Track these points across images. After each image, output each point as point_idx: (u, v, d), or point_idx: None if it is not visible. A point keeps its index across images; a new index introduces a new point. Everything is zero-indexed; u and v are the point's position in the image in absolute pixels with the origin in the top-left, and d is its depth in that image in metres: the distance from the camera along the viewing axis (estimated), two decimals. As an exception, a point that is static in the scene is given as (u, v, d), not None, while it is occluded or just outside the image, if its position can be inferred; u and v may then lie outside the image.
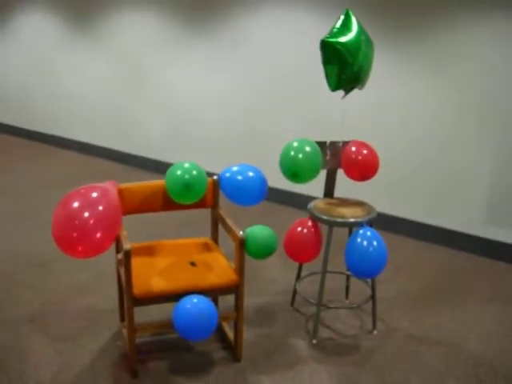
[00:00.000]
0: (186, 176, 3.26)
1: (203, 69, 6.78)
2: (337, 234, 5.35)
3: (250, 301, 4.23)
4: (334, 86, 3.53)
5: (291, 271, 4.72)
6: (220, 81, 6.66)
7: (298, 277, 4.10)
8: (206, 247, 3.67)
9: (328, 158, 3.73)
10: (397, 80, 5.31)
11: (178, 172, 3.28)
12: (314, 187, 5.97)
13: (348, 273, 4.23)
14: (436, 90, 5.10)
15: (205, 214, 5.77)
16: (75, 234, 2.80)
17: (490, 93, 4.83)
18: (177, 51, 6.98)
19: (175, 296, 3.17)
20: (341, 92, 5.52)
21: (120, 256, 3.53)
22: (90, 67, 8.11)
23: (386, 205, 5.65)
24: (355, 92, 5.53)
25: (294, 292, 4.18)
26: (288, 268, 4.78)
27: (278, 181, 6.30)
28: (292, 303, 4.21)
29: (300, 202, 6.25)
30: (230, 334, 3.70)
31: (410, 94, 5.26)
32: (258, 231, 3.31)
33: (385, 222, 5.68)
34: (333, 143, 3.73)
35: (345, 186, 5.51)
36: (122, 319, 3.80)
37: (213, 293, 3.27)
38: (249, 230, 3.34)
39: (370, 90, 5.50)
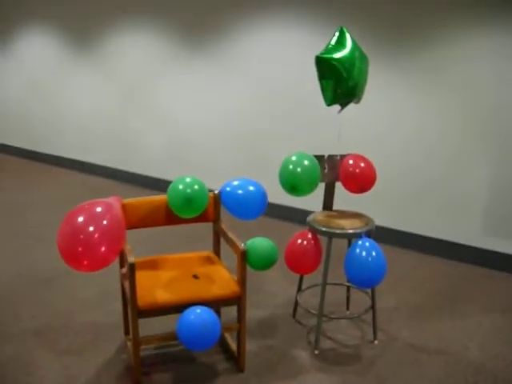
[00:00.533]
0: (188, 190, 3.34)
1: (203, 88, 6.88)
2: (336, 246, 5.41)
3: (251, 313, 4.29)
4: (330, 101, 3.62)
5: (292, 284, 4.78)
6: (220, 99, 6.75)
7: (299, 289, 4.16)
8: (208, 260, 3.75)
9: (326, 171, 3.81)
10: (398, 95, 5.40)
11: (180, 186, 3.36)
12: (313, 202, 6.04)
13: (348, 284, 4.29)
14: (438, 106, 5.19)
15: (205, 229, 5.84)
16: (80, 249, 2.87)
17: (491, 109, 4.91)
18: (177, 71, 7.08)
19: (179, 307, 3.24)
20: (338, 107, 5.62)
21: (124, 270, 3.60)
22: (91, 88, 8.22)
23: (385, 218, 5.72)
24: (354, 107, 5.62)
25: (296, 304, 4.24)
26: (289, 281, 4.84)
27: (277, 196, 6.37)
28: (293, 315, 4.27)
29: (299, 217, 6.32)
30: (233, 346, 3.76)
31: (411, 109, 5.35)
32: (259, 243, 3.39)
33: (384, 235, 5.75)
34: (331, 157, 3.81)
35: (344, 199, 5.59)
36: (127, 333, 3.86)
37: (215, 304, 3.34)
38: (250, 242, 3.42)
39: (367, 105, 5.59)
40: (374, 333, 3.95)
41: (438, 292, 4.70)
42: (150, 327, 4.08)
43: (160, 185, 7.66)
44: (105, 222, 2.96)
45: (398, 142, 5.47)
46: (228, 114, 6.72)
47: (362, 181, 3.67)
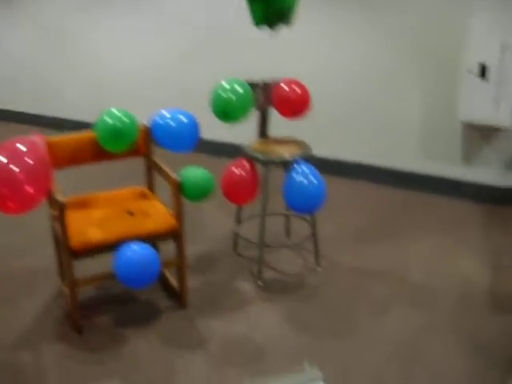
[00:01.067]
0: (117, 122, 3.17)
1: (126, 22, 6.59)
2: (273, 176, 5.31)
3: (190, 249, 4.16)
4: (259, 21, 3.49)
5: (230, 217, 4.66)
6: (141, 33, 6.48)
7: (238, 221, 4.07)
8: (142, 196, 3.60)
9: (260, 97, 3.69)
10: (329, 17, 5.26)
11: (108, 119, 3.19)
12: (245, 136, 5.92)
13: (287, 213, 4.23)
14: (371, 27, 5.09)
15: (138, 166, 5.65)
16: (5, 190, 2.67)
17: (422, 29, 4.85)
18: (95, 7, 6.76)
19: (114, 245, 3.08)
20: (269, 32, 5.44)
21: (54, 211, 3.42)
22: (7, 32, 7.79)
23: (321, 147, 5.64)
24: (286, 30, 5.44)
25: (236, 236, 4.15)
26: (227, 214, 4.73)
27: (210, 131, 6.20)
28: (234, 248, 4.18)
29: (232, 151, 6.19)
30: (174, 282, 3.64)
31: (342, 31, 5.23)
32: (194, 173, 3.26)
33: (321, 165, 5.69)
34: (263, 82, 3.69)
35: (278, 128, 5.48)
36: (62, 278, 3.69)
37: (153, 239, 3.22)
38: (184, 172, 3.28)
39: (299, 28, 5.43)
40: (317, 260, 3.92)
41: (378, 218, 4.70)
42: (87, 270, 3.91)
43: (84, 127, 7.38)
44: (29, 161, 2.76)
45: (334, 68, 5.37)
46: (154, 49, 6.47)
47: (296, 104, 3.57)
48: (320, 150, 5.61)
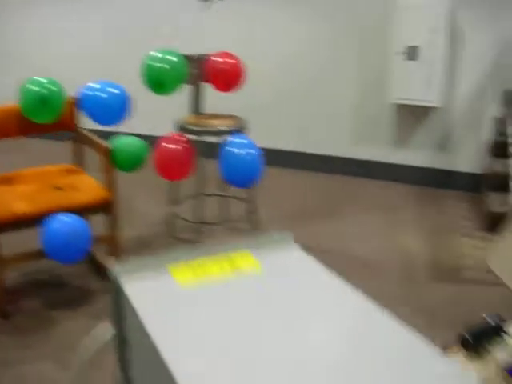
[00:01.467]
0: (42, 90, 3.00)
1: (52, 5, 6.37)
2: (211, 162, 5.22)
3: (124, 234, 4.00)
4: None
5: (165, 201, 4.53)
6: (72, 17, 6.27)
7: (174, 202, 3.93)
8: (70, 172, 3.43)
9: (193, 71, 3.58)
10: (267, 2, 5.21)
11: (32, 86, 3.01)
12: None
13: (224, 194, 4.12)
14: (305, 13, 5.06)
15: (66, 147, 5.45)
16: None
17: (353, 21, 4.86)
18: None
19: (41, 218, 2.90)
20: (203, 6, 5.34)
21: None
22: None
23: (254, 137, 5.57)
24: (221, 12, 5.37)
25: (171, 218, 4.01)
26: (161, 198, 4.58)
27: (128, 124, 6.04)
28: (169, 230, 4.04)
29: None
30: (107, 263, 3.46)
31: (278, 17, 5.19)
32: (125, 141, 3.11)
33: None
34: (198, 56, 3.59)
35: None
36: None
37: (83, 212, 3.03)
38: (116, 140, 3.13)
39: (232, 3, 5.35)
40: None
41: (316, 203, 4.66)
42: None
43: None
44: None
45: (266, 53, 5.31)
46: (87, 30, 6.25)
47: (229, 76, 3.48)
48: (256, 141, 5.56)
